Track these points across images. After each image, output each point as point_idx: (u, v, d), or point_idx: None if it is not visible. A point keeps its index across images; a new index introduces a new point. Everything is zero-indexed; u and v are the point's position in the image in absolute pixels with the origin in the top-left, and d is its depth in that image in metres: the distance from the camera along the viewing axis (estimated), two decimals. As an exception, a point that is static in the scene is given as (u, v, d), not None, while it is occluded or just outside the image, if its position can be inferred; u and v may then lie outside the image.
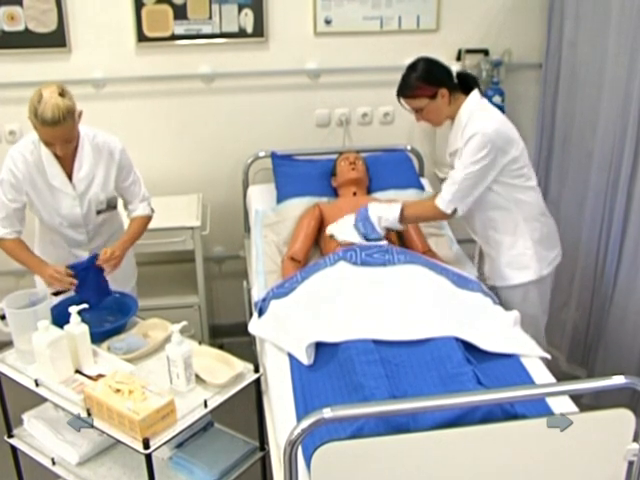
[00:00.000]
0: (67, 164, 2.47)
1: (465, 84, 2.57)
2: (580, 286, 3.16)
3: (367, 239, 2.60)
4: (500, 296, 2.60)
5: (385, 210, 2.61)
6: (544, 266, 2.63)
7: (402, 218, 2.60)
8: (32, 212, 2.54)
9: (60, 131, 2.29)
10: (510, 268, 2.62)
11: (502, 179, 2.51)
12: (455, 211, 2.53)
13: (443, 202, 2.53)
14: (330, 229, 2.72)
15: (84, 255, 2.60)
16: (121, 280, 2.68)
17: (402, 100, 2.58)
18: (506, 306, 2.49)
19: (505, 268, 2.63)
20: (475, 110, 2.51)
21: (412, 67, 2.56)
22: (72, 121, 2.31)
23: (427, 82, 2.51)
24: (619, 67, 2.76)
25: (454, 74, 2.58)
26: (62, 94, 2.29)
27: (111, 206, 2.62)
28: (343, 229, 2.68)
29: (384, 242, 2.59)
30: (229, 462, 2.20)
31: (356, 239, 2.61)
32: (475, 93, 2.55)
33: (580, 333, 3.20)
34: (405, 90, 2.55)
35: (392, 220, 2.59)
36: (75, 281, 2.41)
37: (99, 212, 2.58)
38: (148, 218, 2.69)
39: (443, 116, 2.58)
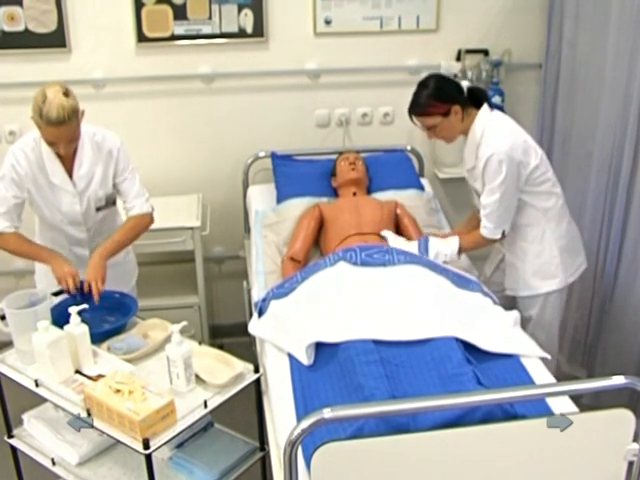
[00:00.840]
0: (67, 162, 2.47)
1: (475, 98, 2.56)
2: (580, 287, 3.15)
3: None
4: (518, 303, 2.61)
5: (444, 246, 2.63)
6: (570, 274, 2.64)
7: (460, 251, 2.64)
8: (32, 209, 2.54)
9: (65, 131, 2.29)
10: (536, 277, 2.62)
11: (528, 188, 2.52)
12: (504, 233, 2.54)
13: (490, 231, 2.54)
14: (385, 232, 2.74)
15: (85, 254, 2.60)
16: (120, 279, 2.68)
17: (415, 118, 2.57)
18: (523, 313, 2.49)
19: (531, 278, 2.63)
20: (486, 127, 2.50)
21: (423, 84, 2.54)
22: (76, 121, 2.32)
23: (439, 99, 2.50)
24: (619, 67, 2.75)
25: (465, 89, 2.57)
26: (66, 94, 2.29)
27: (110, 202, 2.61)
28: (401, 243, 2.70)
29: None
30: (229, 462, 2.20)
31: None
32: (485, 108, 2.54)
33: (580, 333, 3.20)
34: (417, 108, 2.54)
35: (451, 255, 2.62)
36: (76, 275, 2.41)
37: (98, 209, 2.58)
38: (145, 217, 2.60)
39: (456, 133, 2.58)
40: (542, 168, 2.53)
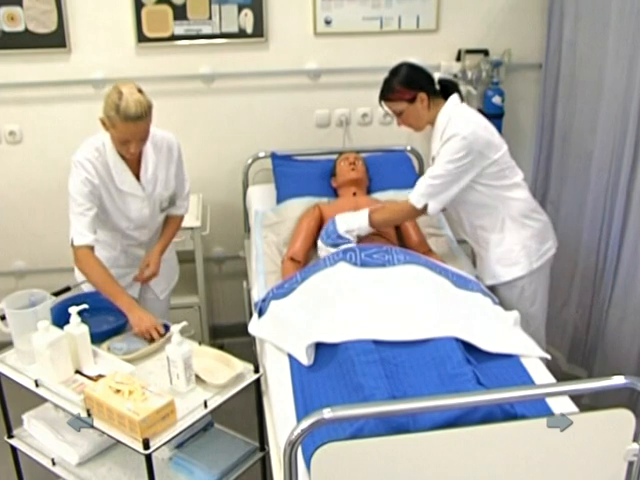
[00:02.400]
0: (133, 167, 2.46)
1: (446, 90, 2.61)
2: (580, 286, 3.16)
3: (336, 245, 2.63)
4: (498, 295, 2.61)
5: (352, 221, 2.66)
6: (534, 260, 2.63)
7: (371, 224, 2.65)
8: (100, 213, 2.45)
9: (142, 127, 2.29)
10: (500, 265, 2.63)
11: (483, 181, 2.53)
12: (426, 207, 2.55)
13: (415, 196, 2.58)
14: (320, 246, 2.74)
15: (141, 253, 2.62)
16: (162, 280, 2.73)
17: (383, 103, 2.63)
18: (504, 305, 2.49)
19: (495, 265, 2.64)
20: (454, 114, 2.54)
21: (394, 71, 2.61)
22: (150, 117, 2.33)
23: (407, 86, 2.55)
24: (619, 67, 2.75)
25: (436, 80, 2.61)
26: (140, 91, 2.30)
27: (172, 202, 2.62)
28: (320, 244, 2.73)
29: (352, 244, 2.62)
30: (229, 462, 2.20)
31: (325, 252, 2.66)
32: (454, 97, 2.59)
33: (580, 333, 3.20)
34: (386, 93, 2.61)
35: (363, 228, 2.64)
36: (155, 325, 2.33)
37: (163, 210, 2.60)
38: (183, 218, 2.74)
39: (423, 121, 2.62)
40: (501, 164, 2.53)
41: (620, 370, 2.85)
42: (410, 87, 2.55)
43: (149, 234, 2.63)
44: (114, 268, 2.52)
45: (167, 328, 2.33)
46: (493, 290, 2.62)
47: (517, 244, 2.60)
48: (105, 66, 3.28)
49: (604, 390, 1.69)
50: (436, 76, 2.66)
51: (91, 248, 2.39)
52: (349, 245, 2.60)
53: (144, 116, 2.27)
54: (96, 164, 2.39)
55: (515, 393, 1.67)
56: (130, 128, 2.26)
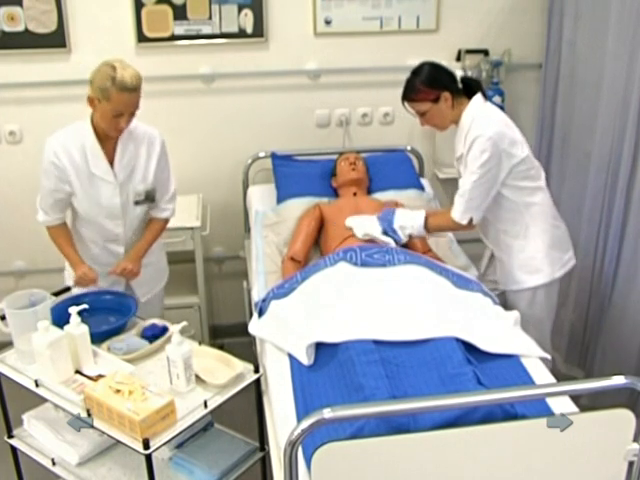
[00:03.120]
0: (109, 153, 2.48)
1: (469, 89, 2.57)
2: (578, 287, 3.16)
3: (386, 234, 2.61)
4: (507, 299, 2.60)
5: (410, 218, 2.62)
6: (556, 269, 2.62)
7: (426, 227, 2.62)
8: (72, 202, 2.53)
9: (135, 98, 2.34)
10: (522, 272, 2.61)
11: (511, 182, 2.52)
12: (471, 221, 2.53)
13: (457, 214, 2.54)
14: (349, 221, 2.72)
15: (120, 251, 2.61)
16: (153, 279, 2.76)
17: (406, 104, 2.59)
18: (512, 309, 2.49)
19: (517, 272, 2.62)
20: (477, 114, 2.51)
21: (416, 71, 2.57)
22: (141, 91, 2.36)
23: (430, 86, 2.52)
24: (618, 67, 2.76)
25: (458, 79, 2.58)
26: (129, 65, 2.36)
27: (149, 198, 2.60)
28: (363, 223, 2.68)
29: (392, 244, 2.60)
30: (229, 462, 2.20)
31: (376, 233, 2.62)
32: (478, 97, 2.55)
33: (578, 334, 3.20)
34: (409, 94, 2.56)
35: (417, 228, 2.61)
36: (96, 281, 2.55)
37: (137, 203, 2.58)
38: (167, 222, 2.73)
39: (447, 120, 2.59)
40: (527, 164, 2.53)
41: (618, 370, 2.85)
42: (433, 87, 2.51)
43: (125, 229, 2.59)
44: (95, 265, 2.59)
45: (166, 329, 2.33)
46: (504, 293, 2.62)
47: (540, 251, 2.59)
48: (105, 66, 3.28)
49: (604, 390, 1.69)
50: (458, 74, 2.63)
51: (58, 225, 2.56)
52: (390, 244, 2.59)
53: (138, 88, 2.33)
54: (70, 147, 2.44)
55: (515, 393, 1.67)
56: (125, 99, 2.30)
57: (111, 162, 2.49)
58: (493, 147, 2.42)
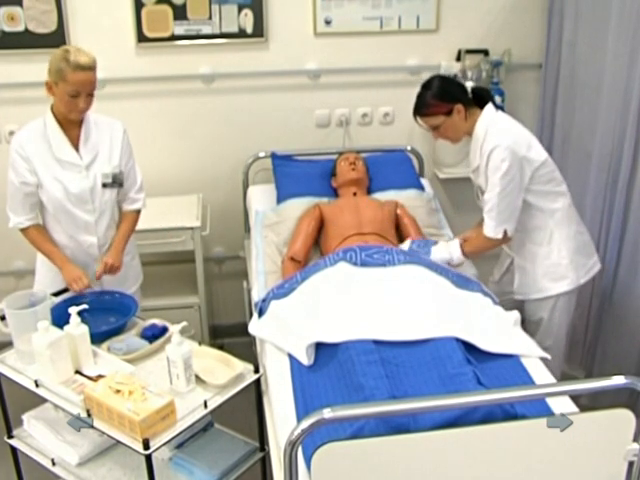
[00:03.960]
0: (72, 140, 2.50)
1: (479, 98, 2.57)
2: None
3: None
4: (527, 308, 2.60)
5: (446, 253, 2.63)
6: (582, 275, 2.61)
7: (464, 254, 2.63)
8: (40, 194, 2.52)
9: (91, 77, 2.37)
10: (546, 279, 2.60)
11: (535, 187, 2.51)
12: (506, 233, 2.52)
13: (491, 230, 2.53)
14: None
15: (93, 241, 2.60)
16: (125, 280, 2.71)
17: (419, 119, 2.59)
18: (532, 317, 2.48)
19: (542, 279, 2.61)
20: (491, 124, 2.51)
21: (426, 85, 2.56)
22: (96, 74, 2.40)
23: (442, 99, 2.51)
24: (619, 67, 2.75)
25: (469, 89, 2.58)
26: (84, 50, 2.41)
27: (117, 182, 2.59)
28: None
29: None
30: (229, 463, 2.20)
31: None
32: (489, 107, 2.55)
33: (579, 333, 3.20)
34: (421, 109, 2.56)
35: (456, 260, 2.63)
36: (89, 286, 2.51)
37: (105, 185, 2.57)
38: (139, 213, 2.72)
39: (461, 132, 2.58)
40: (549, 166, 2.53)
41: (619, 370, 2.85)
42: (445, 100, 2.51)
43: (94, 213, 2.57)
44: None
45: (166, 329, 2.33)
46: (521, 301, 2.61)
47: (565, 258, 2.57)
48: (105, 66, 3.25)
49: (604, 390, 1.69)
50: (468, 85, 2.63)
51: (31, 226, 2.54)
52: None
53: (93, 68, 2.37)
54: (33, 137, 2.48)
55: (515, 393, 1.67)
56: (80, 77, 2.34)
57: (76, 148, 2.52)
58: (512, 155, 2.42)
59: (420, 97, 2.56)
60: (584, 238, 2.65)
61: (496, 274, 2.91)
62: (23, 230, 2.55)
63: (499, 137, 2.45)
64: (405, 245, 2.70)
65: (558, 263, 2.58)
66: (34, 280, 2.72)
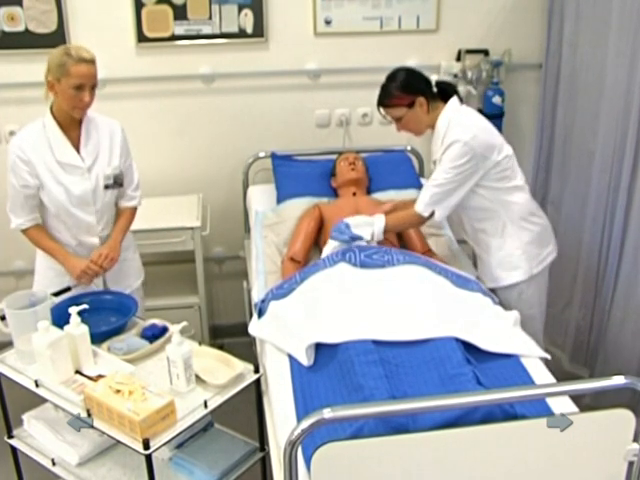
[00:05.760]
0: (73, 141, 2.50)
1: (444, 93, 2.59)
2: (582, 286, 3.16)
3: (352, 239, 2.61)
4: (497, 296, 2.60)
5: (365, 223, 2.62)
6: (534, 265, 2.63)
7: (385, 229, 2.62)
8: (42, 197, 2.52)
9: (93, 70, 2.39)
10: (500, 269, 2.64)
11: (485, 183, 2.54)
12: (432, 214, 2.54)
13: (421, 204, 2.56)
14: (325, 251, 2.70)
15: (94, 242, 2.60)
16: (127, 276, 2.73)
17: (382, 110, 2.62)
18: (503, 306, 2.49)
19: (496, 269, 2.65)
20: (453, 117, 2.53)
21: (391, 77, 2.60)
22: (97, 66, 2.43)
23: (405, 91, 2.54)
24: (619, 67, 2.75)
25: (433, 83, 2.60)
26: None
27: (117, 183, 2.61)
28: (326, 250, 2.67)
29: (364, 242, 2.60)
30: (229, 463, 2.20)
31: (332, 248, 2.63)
32: (453, 100, 2.58)
33: (582, 333, 3.20)
34: (384, 99, 2.59)
35: (377, 237, 2.61)
36: (100, 270, 2.55)
37: (107, 187, 2.58)
38: (136, 209, 2.74)
39: (423, 125, 2.61)
40: (502, 165, 2.53)
41: (622, 370, 2.85)
42: (408, 92, 2.54)
43: (96, 215, 2.58)
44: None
45: (166, 329, 2.34)
46: (492, 291, 2.62)
47: (518, 249, 2.60)
48: (105, 66, 3.24)
49: (605, 390, 1.69)
50: (433, 79, 2.66)
51: (32, 226, 2.55)
52: (361, 242, 2.58)
53: (94, 61, 2.40)
54: (33, 141, 2.47)
55: (515, 393, 1.66)
56: (84, 69, 2.35)
57: (76, 149, 2.51)
58: (470, 152, 2.45)
59: (384, 88, 2.60)
60: (539, 229, 2.65)
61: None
62: (24, 230, 2.55)
63: (460, 130, 2.47)
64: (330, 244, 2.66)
65: (511, 254, 2.61)
66: (34, 280, 2.72)
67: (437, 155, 2.59)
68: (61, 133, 2.48)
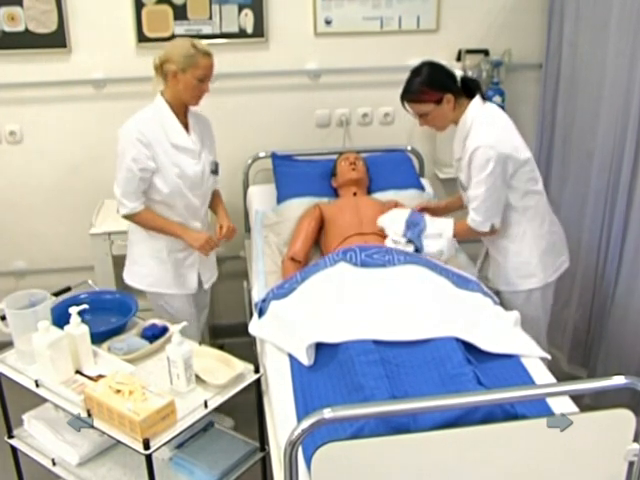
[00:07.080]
0: (183, 125, 2.62)
1: (468, 88, 2.56)
2: (581, 286, 3.16)
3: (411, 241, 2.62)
4: (502, 298, 2.60)
5: (439, 228, 2.63)
6: (550, 274, 2.64)
7: (455, 234, 2.62)
8: (154, 182, 2.58)
9: (213, 63, 2.54)
10: (516, 275, 2.63)
11: (515, 183, 2.52)
12: (493, 227, 2.54)
13: (477, 224, 2.54)
14: (380, 221, 2.73)
15: (197, 225, 2.70)
16: (211, 268, 2.89)
17: (407, 105, 2.57)
18: (508, 308, 2.49)
19: (511, 274, 2.63)
20: (477, 117, 2.50)
21: (416, 71, 2.54)
22: None
23: (431, 87, 2.50)
24: (619, 67, 2.75)
25: (458, 79, 2.57)
26: None
27: (216, 170, 2.75)
28: (393, 224, 2.68)
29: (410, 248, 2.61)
30: (229, 463, 2.20)
31: (398, 237, 2.64)
32: (477, 99, 2.54)
33: (581, 333, 3.20)
34: (409, 95, 2.54)
35: (447, 237, 2.61)
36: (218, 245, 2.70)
37: (212, 172, 2.72)
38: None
39: (448, 121, 2.58)
40: (530, 165, 2.53)
41: (622, 370, 2.85)
42: (436, 88, 2.49)
43: (201, 197, 2.70)
44: (174, 252, 2.69)
45: (166, 329, 2.34)
46: (498, 293, 2.62)
47: (535, 257, 2.59)
48: (105, 66, 3.28)
49: (605, 390, 1.69)
50: (458, 74, 2.61)
51: (144, 209, 2.60)
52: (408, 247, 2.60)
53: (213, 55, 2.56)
54: (150, 124, 2.56)
55: (515, 393, 1.66)
56: (209, 62, 2.51)
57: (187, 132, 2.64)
58: (495, 155, 2.42)
59: (409, 83, 2.54)
60: (556, 238, 2.66)
61: (477, 260, 2.92)
62: (135, 215, 2.59)
63: (483, 135, 2.45)
64: (401, 225, 2.67)
65: (528, 262, 2.61)
66: (132, 271, 2.76)
67: (459, 154, 2.58)
68: (175, 118, 2.59)
